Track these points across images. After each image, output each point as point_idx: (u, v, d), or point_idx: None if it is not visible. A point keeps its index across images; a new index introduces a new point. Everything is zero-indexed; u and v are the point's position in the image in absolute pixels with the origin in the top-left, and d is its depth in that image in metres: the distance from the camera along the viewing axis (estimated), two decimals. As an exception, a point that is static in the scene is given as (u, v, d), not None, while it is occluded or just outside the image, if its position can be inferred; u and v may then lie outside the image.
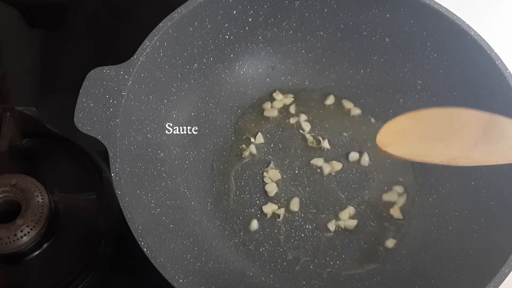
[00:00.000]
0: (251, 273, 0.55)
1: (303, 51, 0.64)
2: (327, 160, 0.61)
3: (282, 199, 0.59)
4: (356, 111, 0.64)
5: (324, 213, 0.59)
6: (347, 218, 0.58)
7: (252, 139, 0.62)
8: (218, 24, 0.58)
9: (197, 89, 0.60)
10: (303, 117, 0.63)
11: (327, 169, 0.60)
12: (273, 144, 0.62)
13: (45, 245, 0.53)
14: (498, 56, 0.53)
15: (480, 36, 0.54)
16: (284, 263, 0.56)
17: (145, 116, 0.54)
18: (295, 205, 0.59)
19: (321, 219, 0.58)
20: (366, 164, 0.61)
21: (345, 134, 0.63)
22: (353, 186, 0.60)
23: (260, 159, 0.61)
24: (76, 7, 0.71)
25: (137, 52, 0.51)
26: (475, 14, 0.61)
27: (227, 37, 0.60)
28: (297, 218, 0.58)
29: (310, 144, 0.62)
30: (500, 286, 0.45)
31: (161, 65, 0.54)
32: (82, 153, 0.58)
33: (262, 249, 0.57)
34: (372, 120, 0.63)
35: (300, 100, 0.64)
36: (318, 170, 0.61)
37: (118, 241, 0.55)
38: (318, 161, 0.61)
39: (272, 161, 0.61)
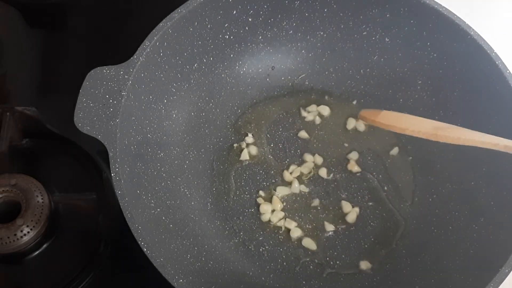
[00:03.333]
0: (251, 273, 0.55)
1: (303, 51, 0.64)
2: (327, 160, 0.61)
3: (282, 199, 0.59)
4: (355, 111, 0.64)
5: (324, 213, 0.59)
6: (347, 218, 0.58)
7: (252, 139, 0.62)
8: (218, 24, 0.58)
9: (197, 89, 0.60)
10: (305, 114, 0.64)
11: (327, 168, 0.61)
12: (273, 144, 0.62)
13: (45, 245, 0.53)
14: (498, 56, 0.53)
15: (480, 36, 0.54)
16: (284, 263, 0.56)
17: (145, 116, 0.54)
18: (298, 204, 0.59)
19: (321, 219, 0.58)
20: (366, 164, 0.61)
21: (344, 133, 0.63)
22: (353, 186, 0.60)
23: (260, 159, 0.61)
24: (76, 7, 0.71)
25: (137, 52, 0.51)
26: (475, 14, 0.61)
27: (227, 37, 0.60)
28: (297, 218, 0.58)
29: None
30: (500, 286, 0.45)
31: (161, 65, 0.54)
32: (82, 153, 0.58)
33: (262, 249, 0.57)
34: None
35: (301, 100, 0.64)
36: (319, 170, 0.61)
37: (118, 241, 0.55)
38: (318, 160, 0.61)
39: (272, 162, 0.61)
